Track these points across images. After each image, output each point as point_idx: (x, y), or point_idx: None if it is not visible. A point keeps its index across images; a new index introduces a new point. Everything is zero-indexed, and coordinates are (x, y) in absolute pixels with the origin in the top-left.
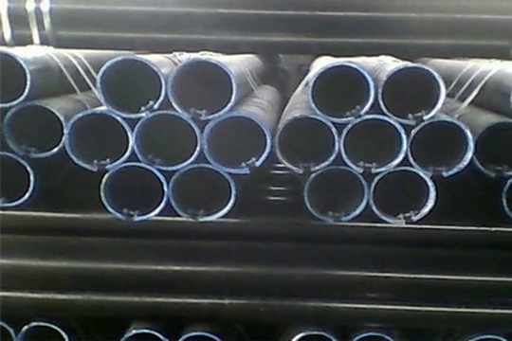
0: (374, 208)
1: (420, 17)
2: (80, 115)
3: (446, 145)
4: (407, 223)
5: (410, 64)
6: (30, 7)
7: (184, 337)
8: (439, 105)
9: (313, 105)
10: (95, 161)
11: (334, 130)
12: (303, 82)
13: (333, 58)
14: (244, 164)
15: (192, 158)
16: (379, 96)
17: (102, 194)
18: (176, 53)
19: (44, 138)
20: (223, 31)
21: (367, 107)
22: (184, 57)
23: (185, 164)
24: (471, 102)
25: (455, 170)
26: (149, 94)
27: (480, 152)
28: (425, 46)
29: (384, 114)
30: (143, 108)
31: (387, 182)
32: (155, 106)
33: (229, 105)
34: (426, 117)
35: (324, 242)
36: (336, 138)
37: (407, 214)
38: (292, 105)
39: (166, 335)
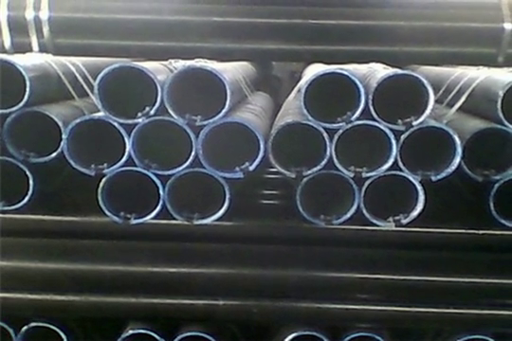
0: (364, 212)
1: (409, 25)
2: (78, 120)
3: (434, 150)
4: (396, 226)
5: (399, 71)
6: (30, 15)
7: (179, 337)
8: (428, 111)
9: (305, 111)
10: (92, 166)
11: (325, 135)
12: (296, 89)
13: (325, 65)
14: (238, 168)
15: (188, 163)
16: (370, 102)
17: (100, 198)
18: (172, 60)
19: (42, 143)
20: (217, 39)
21: (358, 113)
22: (179, 64)
23: (180, 168)
24: (459, 108)
25: (443, 175)
26: (145, 100)
27: (467, 157)
28: (414, 54)
29: (374, 119)
30: (140, 114)
31: (377, 186)
32: (152, 112)
33: (224, 111)
34: (415, 123)
35: (316, 244)
36: (327, 143)
37: (396, 217)
38: (285, 111)
39: (162, 335)
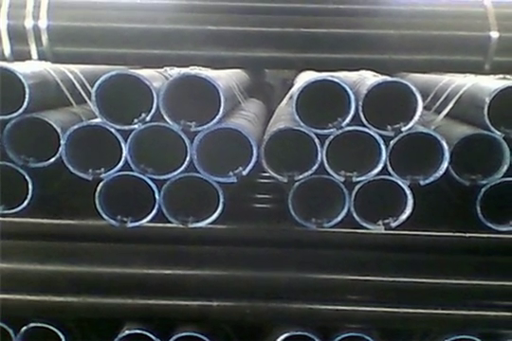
0: (354, 215)
1: (399, 34)
2: (76, 126)
3: (423, 155)
4: (386, 229)
5: (388, 79)
6: (29, 24)
7: (174, 337)
8: (416, 117)
9: (297, 117)
10: (90, 170)
11: (317, 141)
12: (288, 96)
13: (316, 72)
14: (231, 173)
15: (183, 168)
16: (360, 108)
17: (97, 202)
18: (167, 68)
19: (41, 149)
20: (211, 47)
21: (348, 119)
22: (174, 71)
23: (175, 173)
24: (447, 115)
25: (432, 179)
26: (141, 107)
27: (455, 162)
28: (403, 62)
29: (364, 125)
30: (136, 120)
31: (367, 190)
32: (147, 118)
33: (218, 117)
34: (404, 129)
35: (307, 247)
36: (318, 149)
37: (386, 221)
38: (277, 117)
39: (157, 335)
